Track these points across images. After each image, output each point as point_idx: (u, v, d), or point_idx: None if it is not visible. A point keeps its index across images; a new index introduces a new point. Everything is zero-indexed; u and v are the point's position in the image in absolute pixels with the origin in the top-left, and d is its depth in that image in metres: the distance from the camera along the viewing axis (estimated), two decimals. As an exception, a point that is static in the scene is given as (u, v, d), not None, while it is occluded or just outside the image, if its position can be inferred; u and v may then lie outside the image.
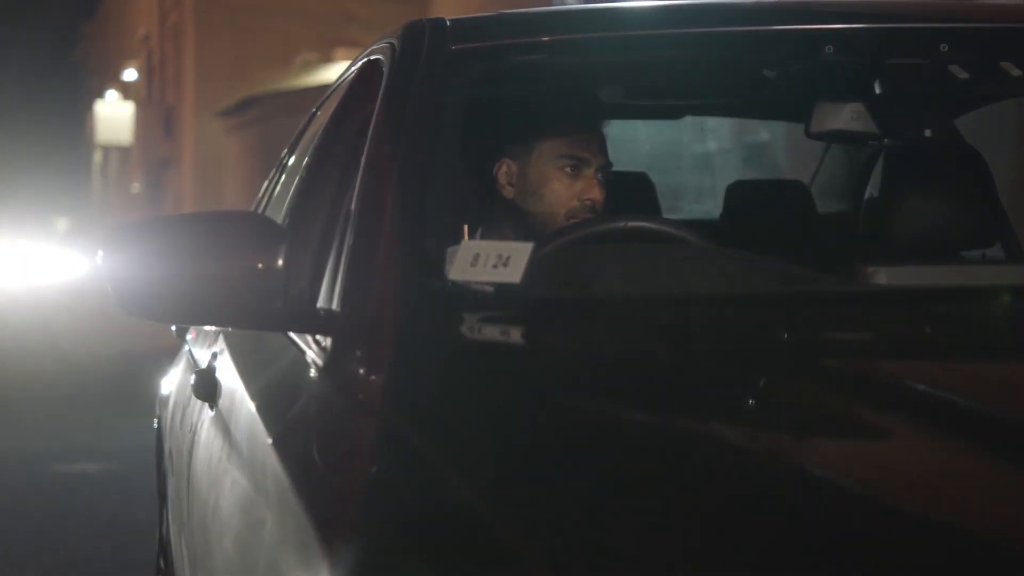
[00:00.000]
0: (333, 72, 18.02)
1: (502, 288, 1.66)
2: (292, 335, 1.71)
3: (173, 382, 3.03)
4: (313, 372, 1.56)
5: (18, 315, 18.80)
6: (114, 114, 28.84)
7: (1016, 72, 1.91)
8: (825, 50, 1.89)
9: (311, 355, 1.60)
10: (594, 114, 2.21)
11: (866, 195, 2.19)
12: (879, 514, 0.92)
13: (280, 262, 1.56)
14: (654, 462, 1.05)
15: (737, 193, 2.58)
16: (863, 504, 0.94)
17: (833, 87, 2.00)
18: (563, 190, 2.10)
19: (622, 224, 2.01)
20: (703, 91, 2.50)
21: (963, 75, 1.92)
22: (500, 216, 2.15)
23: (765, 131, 8.20)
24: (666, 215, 2.69)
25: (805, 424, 1.14)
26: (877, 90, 1.97)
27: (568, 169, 2.10)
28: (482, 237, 2.18)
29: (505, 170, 2.13)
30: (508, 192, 2.13)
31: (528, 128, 2.12)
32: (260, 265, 1.55)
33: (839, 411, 1.16)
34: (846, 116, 1.96)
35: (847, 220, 2.60)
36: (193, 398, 2.30)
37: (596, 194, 2.10)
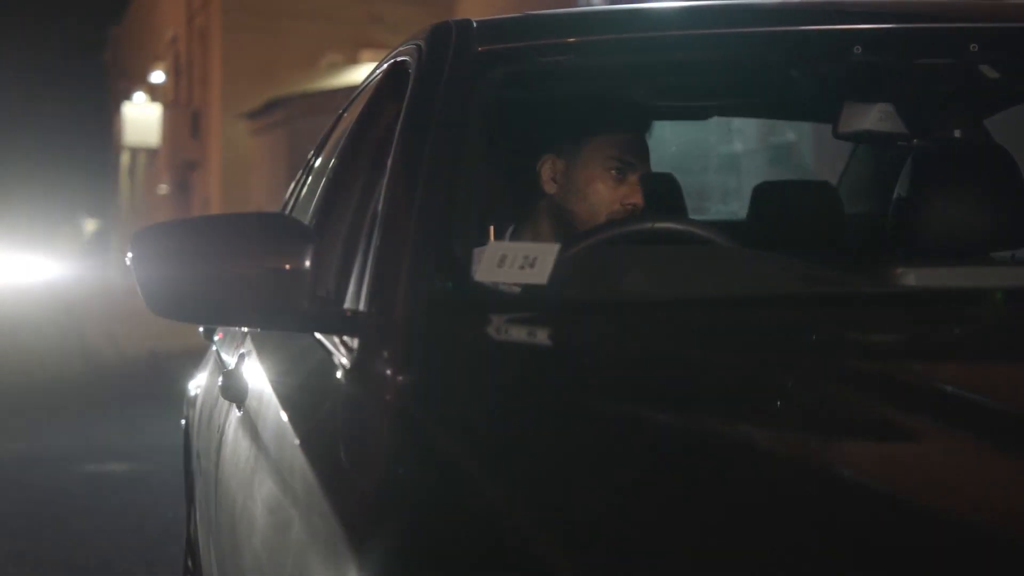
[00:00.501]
0: (359, 74, 18.07)
1: (529, 289, 1.66)
2: (319, 336, 1.72)
3: (200, 383, 3.04)
4: (340, 373, 1.57)
5: (48, 316, 18.94)
6: (142, 116, 29.00)
7: None
8: (854, 50, 1.88)
9: (338, 356, 1.60)
10: (644, 119, 2.23)
11: (894, 196, 2.17)
12: (908, 517, 0.91)
13: (307, 263, 1.56)
14: (680, 464, 1.05)
15: (764, 194, 2.57)
16: (892, 507, 0.93)
17: (861, 87, 1.99)
18: (607, 192, 2.12)
19: (649, 225, 2.01)
20: (730, 92, 2.49)
21: (993, 75, 1.91)
22: (539, 211, 2.17)
23: (791, 132, 8.17)
24: (692, 216, 2.69)
25: (833, 427, 1.14)
26: (905, 90, 1.96)
27: (615, 172, 2.12)
28: (518, 232, 2.19)
29: (550, 166, 2.15)
30: (551, 188, 2.15)
31: (579, 127, 2.14)
32: (287, 266, 1.56)
33: (867, 414, 1.16)
34: (874, 116, 1.95)
35: (875, 221, 2.58)
36: (221, 399, 2.31)
37: (639, 199, 2.12)
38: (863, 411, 1.16)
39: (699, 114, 2.87)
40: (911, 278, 1.83)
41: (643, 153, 2.17)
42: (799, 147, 8.34)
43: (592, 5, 9.74)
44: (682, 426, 1.16)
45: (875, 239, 2.39)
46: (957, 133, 2.00)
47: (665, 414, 1.19)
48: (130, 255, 1.61)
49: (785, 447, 1.10)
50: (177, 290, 1.59)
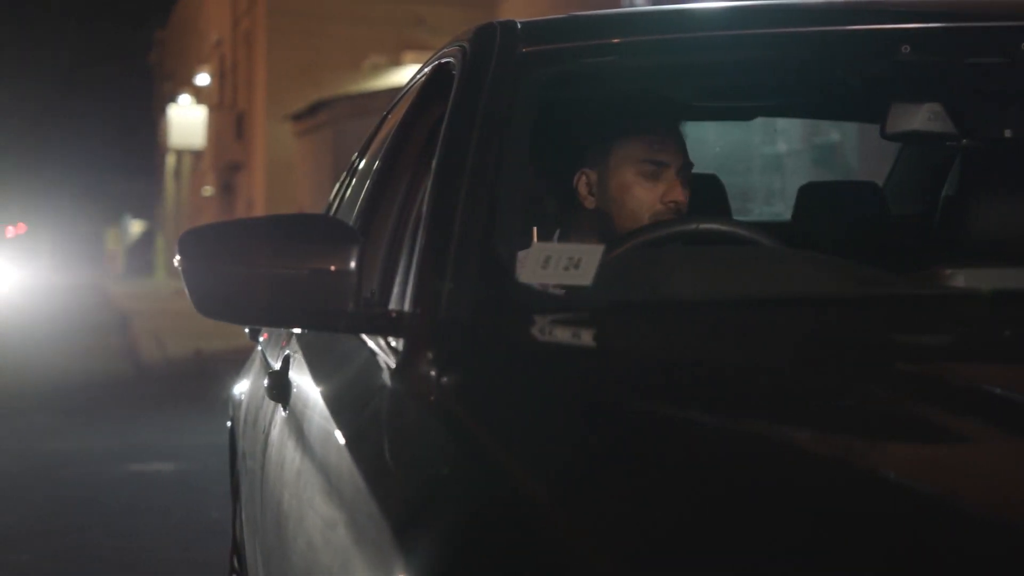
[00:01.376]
0: (401, 75, 18.13)
1: (573, 290, 1.66)
2: (364, 337, 1.72)
3: (246, 383, 3.06)
4: (385, 374, 1.57)
5: (96, 316, 19.15)
6: (187, 118, 29.24)
7: None
8: (901, 50, 1.86)
9: (383, 357, 1.61)
10: (670, 114, 2.20)
11: (942, 196, 2.15)
12: (954, 521, 0.90)
13: (352, 264, 1.57)
14: (726, 467, 1.04)
15: (809, 194, 2.56)
16: (939, 511, 0.93)
17: (909, 87, 1.97)
18: (645, 195, 2.08)
19: (694, 226, 2.00)
20: (775, 92, 2.48)
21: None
22: (584, 226, 2.12)
23: (836, 132, 8.12)
24: (735, 217, 2.67)
25: (880, 430, 1.13)
26: (954, 90, 1.94)
27: (649, 174, 2.08)
28: (564, 241, 2.18)
29: (585, 181, 2.11)
30: (590, 203, 2.11)
31: (604, 136, 2.11)
32: (332, 267, 1.57)
33: (914, 417, 1.15)
34: (923, 116, 1.93)
35: (922, 222, 2.56)
36: (266, 399, 2.32)
37: (679, 195, 2.08)
38: (910, 414, 1.15)
39: (744, 114, 2.85)
40: (959, 279, 1.81)
41: (675, 147, 2.11)
42: (843, 147, 8.29)
43: (636, 5, 9.72)
44: (727, 428, 1.15)
45: (923, 240, 2.36)
46: (1007, 133, 1.97)
47: (710, 416, 1.19)
48: (178, 257, 1.63)
49: (831, 450, 1.09)
50: (224, 291, 1.60)
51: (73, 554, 4.63)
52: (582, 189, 2.11)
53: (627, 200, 2.08)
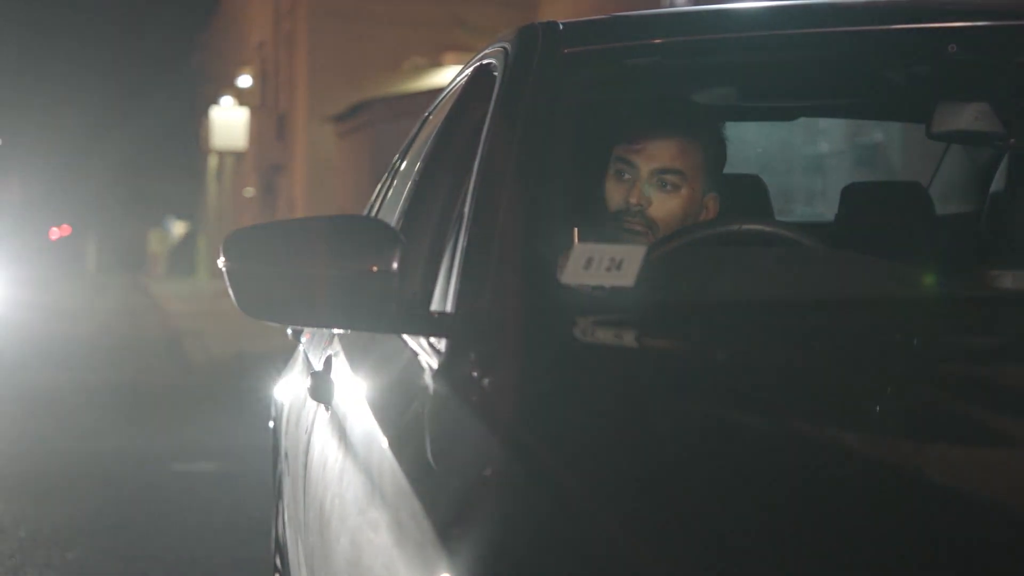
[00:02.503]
0: (442, 76, 18.17)
1: (615, 291, 1.66)
2: (406, 337, 1.73)
3: (288, 384, 3.08)
4: (427, 374, 1.58)
5: (140, 317, 19.32)
6: (229, 120, 29.43)
7: None
8: (948, 49, 1.85)
9: (425, 357, 1.61)
10: (664, 117, 2.16)
11: (988, 196, 2.13)
12: (999, 521, 0.90)
13: (395, 265, 1.57)
14: (770, 466, 1.04)
15: (853, 195, 2.54)
16: (987, 510, 0.92)
17: (956, 86, 1.96)
18: (614, 194, 2.08)
19: (736, 227, 1.99)
20: (819, 92, 2.46)
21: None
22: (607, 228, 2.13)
23: (879, 132, 8.05)
24: (777, 218, 2.66)
25: (925, 431, 1.12)
26: (1002, 89, 1.92)
27: (617, 173, 2.07)
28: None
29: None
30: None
31: (613, 133, 2.11)
32: (375, 268, 1.57)
33: (961, 419, 1.14)
34: (970, 116, 1.91)
35: (968, 222, 2.53)
36: (308, 400, 2.33)
37: (637, 197, 2.05)
38: (956, 417, 1.14)
39: (786, 115, 2.84)
40: (1006, 281, 1.80)
41: (653, 149, 2.07)
42: (886, 147, 8.22)
43: (677, 6, 9.68)
44: (771, 430, 1.15)
45: (968, 241, 2.34)
46: (1056, 132, 1.95)
47: (753, 416, 1.18)
48: (222, 258, 1.64)
49: (877, 453, 1.08)
50: (267, 292, 1.61)
51: (119, 552, 4.67)
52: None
53: (604, 198, 2.09)
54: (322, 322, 1.72)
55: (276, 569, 3.03)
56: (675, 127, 2.11)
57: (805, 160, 8.03)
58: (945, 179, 2.98)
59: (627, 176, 2.07)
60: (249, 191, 30.04)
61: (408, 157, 2.79)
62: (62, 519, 5.19)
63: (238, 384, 9.63)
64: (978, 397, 1.20)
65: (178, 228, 43.84)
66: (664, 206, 2.06)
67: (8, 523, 5.10)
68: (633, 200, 2.05)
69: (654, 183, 2.06)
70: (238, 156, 31.14)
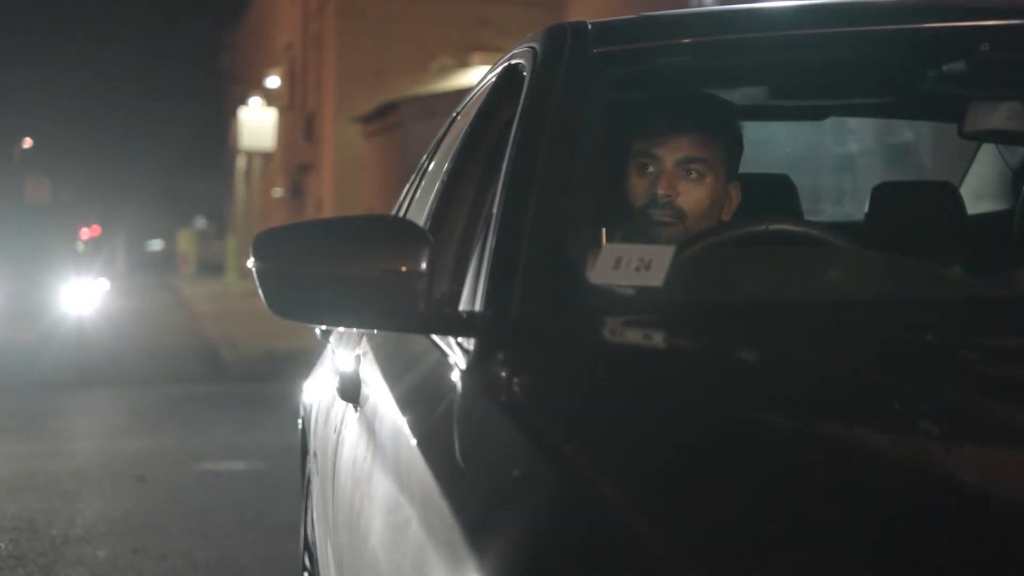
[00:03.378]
0: (469, 77, 18.17)
1: (644, 291, 1.65)
2: (434, 337, 1.73)
3: (317, 383, 3.09)
4: (456, 374, 1.58)
5: (169, 317, 19.43)
6: (257, 120, 29.55)
7: None
8: (980, 47, 1.83)
9: (454, 357, 1.61)
10: (682, 107, 2.15)
11: (1021, 196, 2.11)
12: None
13: (423, 265, 1.58)
14: (798, 468, 1.04)
15: (883, 195, 2.52)
16: (1017, 512, 0.91)
17: (988, 85, 1.94)
18: (638, 187, 2.07)
19: (764, 227, 1.98)
20: (849, 91, 2.45)
21: None
22: (631, 226, 2.12)
23: (909, 131, 8.00)
24: (807, 218, 2.64)
25: (958, 432, 1.11)
26: None
27: (640, 167, 2.06)
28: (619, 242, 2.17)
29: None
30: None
31: (632, 131, 2.10)
32: (404, 268, 1.57)
33: (993, 420, 1.13)
34: (1003, 115, 1.90)
35: (1000, 222, 2.51)
36: (337, 399, 2.34)
37: (663, 187, 2.04)
38: (988, 418, 1.14)
39: (815, 114, 2.82)
40: (1039, 281, 1.78)
41: (677, 139, 2.06)
42: (916, 147, 8.16)
43: (704, 5, 9.65)
44: (800, 429, 1.14)
45: (1001, 241, 2.32)
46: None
47: (781, 417, 1.18)
48: (252, 258, 1.65)
49: (908, 454, 1.08)
50: (296, 292, 1.62)
51: (149, 551, 4.70)
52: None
53: (627, 194, 2.08)
54: (351, 322, 1.73)
55: (305, 568, 3.04)
56: (694, 117, 2.11)
57: (834, 160, 7.99)
58: (977, 179, 2.96)
59: (651, 169, 2.06)
60: (277, 191, 30.14)
61: (436, 157, 2.79)
62: (94, 518, 5.23)
63: (266, 383, 9.66)
64: (1011, 399, 1.19)
65: (207, 228, 44.04)
66: (691, 195, 2.05)
67: (40, 521, 5.14)
68: (660, 191, 2.05)
69: (680, 173, 2.06)
70: (266, 156, 31.26)
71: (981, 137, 2.05)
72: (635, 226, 2.05)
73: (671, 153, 2.05)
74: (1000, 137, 1.99)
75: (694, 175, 2.06)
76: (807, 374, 1.31)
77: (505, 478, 1.23)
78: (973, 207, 2.67)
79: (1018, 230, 2.11)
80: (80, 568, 4.48)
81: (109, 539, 4.87)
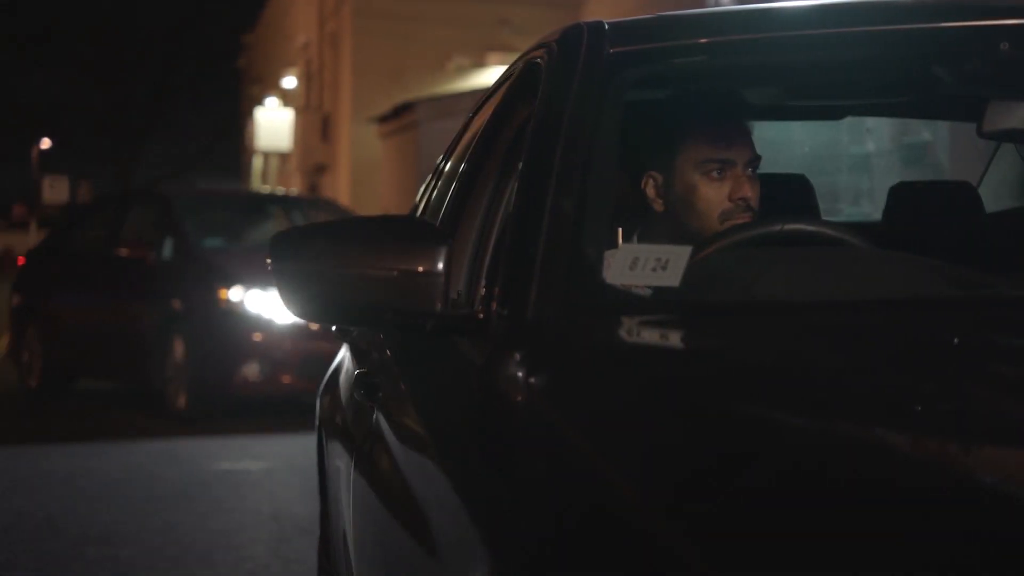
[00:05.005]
0: (486, 77, 18.17)
1: (660, 291, 1.65)
2: (452, 337, 1.73)
3: (334, 383, 3.09)
4: (471, 374, 1.58)
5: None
6: (274, 121, 29.59)
7: None
8: (1001, 47, 1.82)
9: (470, 357, 1.61)
10: (733, 110, 2.16)
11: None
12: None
13: (440, 265, 1.58)
14: (815, 467, 1.03)
15: (901, 194, 2.51)
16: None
17: (1008, 85, 1.93)
18: (713, 195, 2.03)
19: (779, 227, 1.98)
20: (867, 91, 2.44)
21: None
22: (656, 230, 2.10)
23: (926, 131, 7.97)
24: (824, 218, 2.64)
25: (978, 432, 1.11)
26: None
27: (714, 173, 2.03)
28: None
29: (652, 183, 2.07)
30: (659, 206, 2.07)
31: (668, 138, 2.07)
32: (421, 268, 1.58)
33: (1013, 419, 1.13)
34: (1022, 115, 1.89)
35: (1019, 222, 2.50)
36: (354, 399, 2.35)
37: (746, 191, 2.03)
38: (1008, 417, 1.13)
39: (833, 114, 2.82)
40: (1058, 281, 1.77)
41: (740, 144, 2.06)
42: (934, 147, 8.13)
43: (722, 5, 9.63)
44: (817, 429, 1.14)
45: (1019, 241, 2.31)
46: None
47: (798, 417, 1.18)
48: (269, 258, 1.65)
49: (926, 453, 1.07)
50: (314, 292, 1.62)
51: (167, 551, 4.71)
52: (650, 192, 2.07)
53: (695, 201, 2.04)
54: (367, 322, 1.73)
55: (322, 567, 3.04)
56: (741, 117, 2.11)
57: (852, 160, 7.97)
58: (995, 178, 2.95)
59: (723, 174, 2.04)
60: (294, 191, 30.19)
61: (453, 158, 2.80)
62: (111, 518, 5.24)
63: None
64: (1029, 398, 1.18)
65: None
66: (756, 193, 2.06)
67: (60, 522, 5.16)
68: (740, 195, 2.03)
69: (748, 173, 2.05)
70: (283, 157, 31.32)
71: (1000, 137, 2.04)
72: (719, 231, 2.02)
73: (740, 156, 2.05)
74: (1019, 137, 1.98)
75: (753, 173, 2.06)
76: (825, 374, 1.31)
77: (522, 479, 1.23)
78: (992, 207, 2.66)
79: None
80: (99, 568, 4.50)
81: (128, 539, 4.88)
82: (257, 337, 7.71)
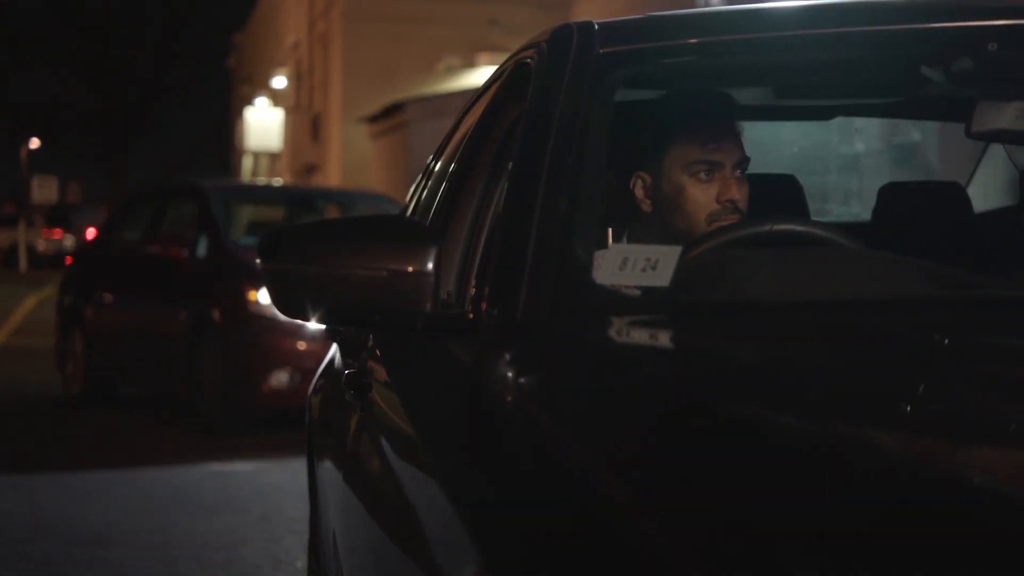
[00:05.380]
0: (476, 77, 18.17)
1: (650, 292, 1.65)
2: (441, 337, 1.73)
3: (323, 383, 3.09)
4: (462, 374, 1.58)
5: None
6: (264, 120, 29.56)
7: None
8: (989, 47, 1.83)
9: (459, 358, 1.61)
10: (722, 112, 2.15)
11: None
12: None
13: (430, 266, 1.58)
14: (804, 467, 1.04)
15: (890, 195, 2.52)
16: (1019, 511, 0.91)
17: (996, 85, 1.94)
18: (700, 196, 2.03)
19: (768, 227, 1.98)
20: (856, 91, 2.45)
21: None
22: (644, 231, 2.09)
23: (916, 131, 7.99)
24: (813, 218, 2.64)
25: (967, 432, 1.11)
26: None
27: (702, 175, 2.03)
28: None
29: (640, 184, 2.07)
30: (646, 206, 2.07)
31: (657, 139, 2.07)
32: (410, 268, 1.58)
33: (1002, 419, 1.13)
34: (1010, 115, 1.90)
35: (1008, 222, 2.51)
36: (344, 399, 2.34)
37: (734, 193, 2.03)
38: (997, 418, 1.13)
39: (822, 114, 2.82)
40: (1046, 281, 1.78)
41: (729, 145, 2.05)
42: (924, 147, 8.15)
43: (711, 5, 9.64)
44: (806, 429, 1.14)
45: (1007, 241, 2.32)
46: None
47: (788, 417, 1.18)
48: (259, 258, 1.65)
49: (914, 453, 1.08)
50: (303, 292, 1.62)
51: (158, 552, 4.71)
52: (638, 192, 2.07)
53: (683, 202, 2.04)
54: (356, 322, 1.73)
55: (312, 569, 3.04)
56: (731, 118, 2.11)
57: (841, 160, 7.98)
58: (984, 179, 2.96)
59: (711, 175, 2.03)
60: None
61: (443, 158, 2.80)
62: (102, 519, 5.23)
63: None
64: (1017, 399, 1.18)
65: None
66: (744, 195, 2.06)
67: (50, 525, 5.15)
68: (728, 196, 2.03)
69: (736, 175, 2.05)
70: (273, 157, 31.28)
71: (988, 137, 2.04)
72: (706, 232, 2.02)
73: (729, 157, 2.04)
74: (1008, 137, 1.99)
75: (741, 175, 2.06)
76: (814, 374, 1.31)
77: (510, 479, 1.23)
78: (981, 207, 2.67)
79: (1025, 230, 2.11)
80: (91, 569, 4.48)
81: (119, 540, 4.87)
82: (287, 344, 6.99)
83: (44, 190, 27.96)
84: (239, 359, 7.11)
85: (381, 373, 2.09)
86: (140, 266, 8.33)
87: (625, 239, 2.10)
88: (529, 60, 1.97)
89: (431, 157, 3.01)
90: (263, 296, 6.94)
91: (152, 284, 8.08)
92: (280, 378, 7.03)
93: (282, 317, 7.36)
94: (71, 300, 9.01)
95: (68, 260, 10.40)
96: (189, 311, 7.52)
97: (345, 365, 2.60)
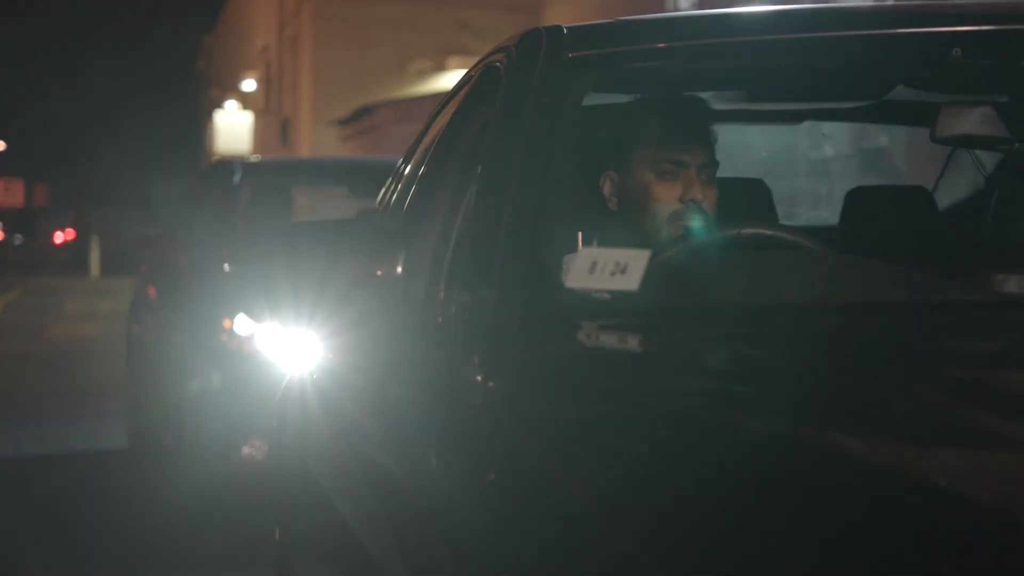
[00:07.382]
0: (446, 80, 18.17)
1: (619, 295, 1.66)
2: (411, 340, 1.73)
3: (295, 380, 3.08)
4: (431, 377, 1.58)
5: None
6: (233, 124, 29.44)
7: None
8: (953, 52, 1.85)
9: (428, 360, 1.61)
10: (693, 114, 2.16)
11: (992, 201, 2.13)
12: (1002, 523, 0.90)
13: (399, 269, 1.58)
14: (773, 470, 1.04)
15: (857, 199, 2.54)
16: (990, 514, 0.92)
17: (961, 90, 1.96)
18: (664, 194, 2.04)
19: (736, 231, 1.99)
20: (824, 96, 2.46)
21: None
22: (609, 229, 2.09)
23: (884, 136, 8.05)
24: (782, 222, 2.65)
25: (931, 434, 1.12)
26: (1007, 93, 1.91)
27: (667, 174, 2.04)
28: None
29: (609, 183, 2.08)
30: (613, 204, 2.08)
31: (625, 139, 2.07)
32: (379, 272, 1.58)
33: (964, 422, 1.14)
34: (974, 120, 1.91)
35: (973, 227, 2.53)
36: (314, 400, 2.34)
37: (697, 193, 2.03)
38: (961, 420, 1.14)
39: (792, 118, 2.84)
40: (1012, 285, 1.80)
41: (697, 146, 2.06)
42: (891, 151, 8.21)
43: (680, 10, 9.68)
44: (775, 433, 1.15)
45: (973, 245, 2.34)
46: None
47: (755, 421, 1.18)
48: (226, 264, 1.64)
49: (880, 455, 1.08)
50: (273, 295, 1.62)
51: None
52: (606, 191, 2.08)
53: (646, 201, 2.04)
54: (325, 324, 1.73)
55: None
56: (702, 121, 2.11)
57: (810, 164, 8.03)
58: (950, 183, 2.98)
59: (677, 175, 2.04)
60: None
61: (413, 161, 2.79)
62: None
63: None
64: (981, 402, 1.19)
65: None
66: (710, 199, 2.05)
67: (31, 523, 5.10)
68: (692, 196, 2.02)
69: (703, 178, 2.05)
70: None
71: (953, 142, 2.06)
72: (667, 231, 2.02)
73: (695, 158, 2.05)
74: (972, 141, 2.00)
75: (707, 179, 2.06)
76: (781, 378, 1.32)
77: (478, 482, 1.23)
78: (947, 212, 2.69)
79: (989, 234, 2.13)
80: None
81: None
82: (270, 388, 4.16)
83: (10, 193, 27.78)
84: (212, 411, 4.69)
85: (350, 375, 2.08)
86: (165, 273, 6.28)
87: (595, 242, 2.10)
88: (499, 64, 1.97)
89: (401, 160, 3.01)
90: (239, 325, 4.61)
91: (166, 295, 5.92)
92: (256, 443, 5.15)
93: (263, 353, 5.91)
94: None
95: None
96: (175, 337, 4.75)
97: (315, 366, 2.60)
